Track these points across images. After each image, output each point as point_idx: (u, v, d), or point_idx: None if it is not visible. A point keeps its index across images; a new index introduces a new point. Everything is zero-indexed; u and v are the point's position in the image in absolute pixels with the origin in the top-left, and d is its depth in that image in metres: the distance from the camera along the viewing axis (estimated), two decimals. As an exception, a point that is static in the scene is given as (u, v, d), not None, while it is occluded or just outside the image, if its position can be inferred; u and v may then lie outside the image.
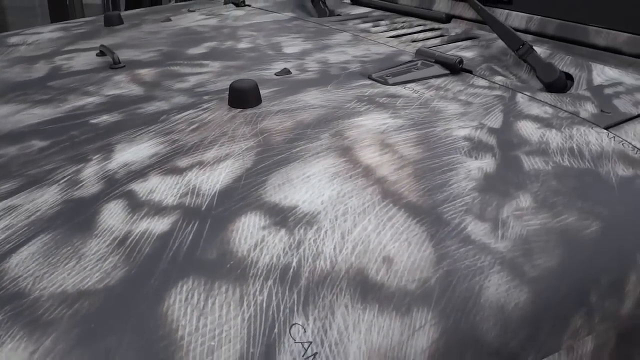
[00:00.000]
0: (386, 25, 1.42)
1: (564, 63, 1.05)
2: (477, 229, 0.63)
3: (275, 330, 0.52)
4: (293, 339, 0.51)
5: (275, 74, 1.06)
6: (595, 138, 0.81)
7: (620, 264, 0.66)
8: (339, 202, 0.66)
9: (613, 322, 0.63)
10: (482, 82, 1.01)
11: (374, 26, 1.42)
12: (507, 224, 0.65)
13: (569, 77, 1.00)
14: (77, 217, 0.66)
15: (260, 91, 0.92)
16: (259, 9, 1.67)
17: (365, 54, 1.16)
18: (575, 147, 0.79)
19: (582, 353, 0.61)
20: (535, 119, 0.86)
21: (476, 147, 0.78)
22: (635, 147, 0.81)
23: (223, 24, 1.48)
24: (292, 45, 1.25)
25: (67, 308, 0.53)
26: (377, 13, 1.54)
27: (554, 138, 0.81)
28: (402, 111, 0.88)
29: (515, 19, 1.25)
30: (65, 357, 0.49)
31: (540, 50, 1.08)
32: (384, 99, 0.93)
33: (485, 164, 0.74)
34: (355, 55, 1.15)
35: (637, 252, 0.67)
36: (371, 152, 0.76)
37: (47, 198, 0.69)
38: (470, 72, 1.05)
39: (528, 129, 0.83)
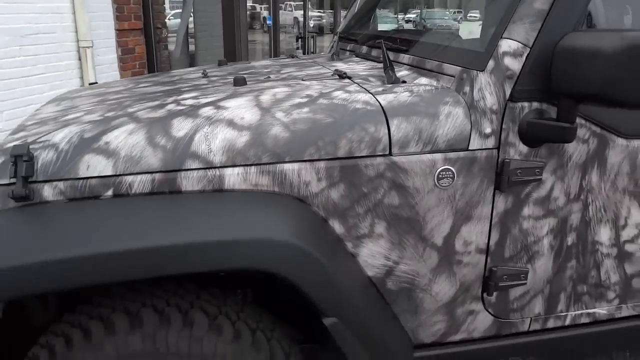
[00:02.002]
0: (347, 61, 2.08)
1: (407, 77, 1.61)
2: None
3: None
4: None
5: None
6: (363, 96, 1.42)
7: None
8: None
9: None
10: (353, 85, 1.53)
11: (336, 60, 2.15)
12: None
13: (404, 81, 1.54)
14: None
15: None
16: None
17: (311, 72, 1.82)
18: (352, 97, 1.42)
19: None
20: (348, 92, 1.45)
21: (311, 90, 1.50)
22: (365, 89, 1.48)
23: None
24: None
25: None
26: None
27: (349, 92, 1.46)
28: (297, 86, 1.54)
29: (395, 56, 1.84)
30: None
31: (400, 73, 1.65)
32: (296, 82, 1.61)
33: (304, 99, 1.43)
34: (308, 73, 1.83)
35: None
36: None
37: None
38: (350, 78, 1.63)
39: (340, 94, 1.44)
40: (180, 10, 7.48)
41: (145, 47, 4.90)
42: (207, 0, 6.46)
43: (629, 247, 1.60)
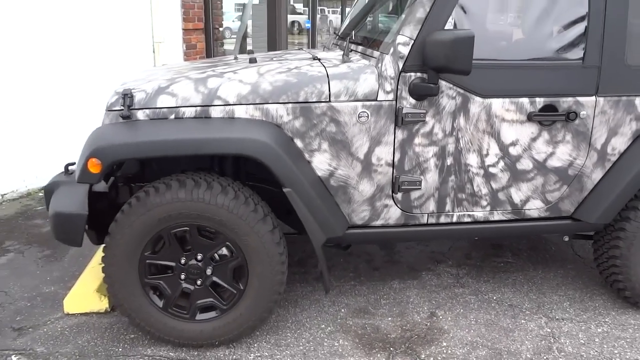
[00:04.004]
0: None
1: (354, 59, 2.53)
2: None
3: None
4: None
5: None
6: (319, 68, 2.41)
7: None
8: None
9: None
10: (317, 63, 2.50)
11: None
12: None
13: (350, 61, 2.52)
14: None
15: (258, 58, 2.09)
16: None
17: (299, 57, 2.75)
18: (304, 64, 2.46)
19: None
20: (311, 67, 2.44)
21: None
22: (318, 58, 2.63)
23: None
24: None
25: None
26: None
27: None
28: (284, 63, 2.53)
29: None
30: None
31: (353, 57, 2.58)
32: (286, 61, 2.29)
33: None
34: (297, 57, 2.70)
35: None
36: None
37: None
38: (319, 60, 2.56)
39: (306, 67, 2.43)
40: (241, 14, 8.64)
41: (205, 43, 6.03)
42: (262, 6, 7.56)
43: (491, 170, 2.50)
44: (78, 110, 4.62)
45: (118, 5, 4.94)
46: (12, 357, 2.38)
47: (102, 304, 2.70)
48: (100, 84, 4.86)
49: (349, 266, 3.23)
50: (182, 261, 2.31)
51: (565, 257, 3.39)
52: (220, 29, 6.32)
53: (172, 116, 2.31)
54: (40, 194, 4.35)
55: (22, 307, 2.75)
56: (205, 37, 6.02)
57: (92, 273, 2.90)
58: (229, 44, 7.67)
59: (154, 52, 5.42)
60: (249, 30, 8.29)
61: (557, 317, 2.72)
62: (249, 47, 8.22)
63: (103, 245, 2.33)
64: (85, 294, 2.71)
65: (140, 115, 2.31)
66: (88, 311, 2.70)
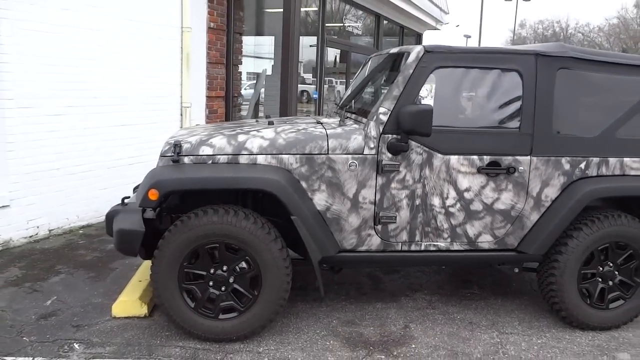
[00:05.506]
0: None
1: (348, 123, 3.12)
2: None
3: None
4: None
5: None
6: (321, 130, 3.25)
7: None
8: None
9: None
10: (320, 126, 3.28)
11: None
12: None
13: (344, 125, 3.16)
14: None
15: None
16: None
17: (306, 121, 3.44)
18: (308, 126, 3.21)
19: None
20: (315, 128, 3.20)
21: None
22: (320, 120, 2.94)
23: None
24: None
25: None
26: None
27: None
28: (294, 125, 3.21)
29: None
30: None
31: (348, 122, 3.19)
32: (296, 124, 2.93)
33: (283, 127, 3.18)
34: (304, 121, 3.60)
35: None
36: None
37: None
38: (321, 124, 3.38)
39: (311, 129, 3.14)
40: (255, 82, 9.68)
41: (225, 109, 6.94)
42: (274, 77, 8.55)
43: (451, 209, 3.25)
44: (116, 162, 5.46)
45: (155, 76, 5.88)
46: (75, 344, 3.06)
47: (143, 310, 3.39)
48: (138, 140, 5.73)
49: (342, 291, 3.92)
50: (212, 271, 3.03)
51: (523, 291, 4.06)
52: (239, 97, 7.25)
53: (210, 162, 3.10)
54: (81, 232, 5.11)
55: (77, 312, 3.44)
56: (225, 104, 6.94)
57: (134, 286, 3.60)
58: (244, 110, 8.61)
59: (181, 115, 6.31)
60: (262, 97, 9.28)
61: (507, 332, 3.38)
62: (261, 114, 9.17)
63: (143, 264, 3.05)
64: (130, 302, 3.41)
65: (186, 160, 3.11)
66: (131, 315, 3.39)
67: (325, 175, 3.13)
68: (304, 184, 3.13)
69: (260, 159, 3.11)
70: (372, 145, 3.14)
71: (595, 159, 3.33)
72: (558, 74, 3.28)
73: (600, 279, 3.40)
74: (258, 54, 10.92)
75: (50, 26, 4.71)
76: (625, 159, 3.37)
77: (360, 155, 3.14)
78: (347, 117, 3.59)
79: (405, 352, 3.09)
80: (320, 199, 3.16)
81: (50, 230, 4.96)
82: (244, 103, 7.99)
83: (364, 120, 3.25)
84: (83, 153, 5.16)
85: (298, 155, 3.12)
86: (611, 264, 3.40)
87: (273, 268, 3.00)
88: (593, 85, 3.35)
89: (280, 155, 3.11)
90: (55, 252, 4.52)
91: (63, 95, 4.90)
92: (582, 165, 3.31)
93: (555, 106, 3.27)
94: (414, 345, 3.17)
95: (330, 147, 3.13)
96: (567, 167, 3.30)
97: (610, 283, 3.41)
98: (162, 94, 6.01)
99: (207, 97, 6.70)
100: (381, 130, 3.13)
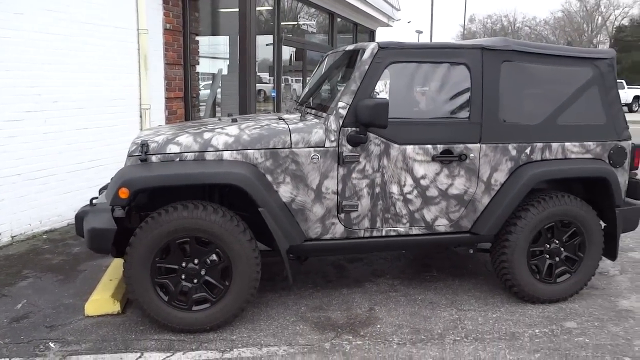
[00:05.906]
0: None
1: (309, 118, 3.21)
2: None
3: None
4: None
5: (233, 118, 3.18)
6: (283, 125, 3.37)
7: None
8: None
9: None
10: (282, 121, 3.44)
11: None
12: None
13: (305, 120, 3.22)
14: None
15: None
16: None
17: (268, 117, 3.53)
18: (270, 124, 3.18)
19: None
20: (277, 124, 3.31)
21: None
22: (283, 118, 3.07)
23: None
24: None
25: None
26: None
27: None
28: (257, 121, 3.35)
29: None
30: None
31: (309, 117, 3.35)
32: (258, 120, 3.01)
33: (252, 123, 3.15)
34: (266, 117, 3.70)
35: None
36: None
37: None
38: (283, 119, 3.49)
39: (274, 124, 3.01)
40: (210, 83, 9.72)
41: (184, 109, 7.00)
42: (231, 77, 8.63)
43: (408, 196, 3.45)
44: (78, 166, 5.46)
45: (113, 78, 5.89)
46: (50, 343, 3.11)
47: (116, 307, 3.47)
48: (99, 143, 5.74)
49: (308, 280, 4.08)
50: (183, 264, 3.14)
51: (478, 272, 4.32)
52: (197, 97, 7.31)
53: (177, 159, 3.21)
54: (45, 236, 5.09)
55: (49, 313, 3.48)
56: (184, 104, 6.99)
57: (106, 285, 3.67)
58: (203, 110, 8.66)
59: (141, 116, 6.34)
60: (218, 97, 9.33)
61: (464, 309, 3.62)
62: (218, 114, 9.23)
63: (112, 263, 3.13)
64: (102, 300, 3.48)
65: (154, 158, 3.20)
66: (104, 313, 3.45)
67: (289, 168, 3.28)
68: (269, 178, 3.27)
69: (227, 155, 3.23)
70: (332, 138, 3.31)
71: (539, 145, 3.59)
72: (502, 67, 3.52)
73: (547, 256, 3.67)
74: (213, 54, 10.97)
75: (4, 31, 4.68)
76: (566, 143, 3.65)
77: (321, 148, 3.30)
78: (308, 113, 3.75)
79: (371, 331, 3.28)
80: (285, 191, 3.30)
81: (13, 237, 4.93)
82: (200, 104, 8.05)
83: (324, 114, 3.42)
84: (44, 158, 5.15)
85: (262, 150, 3.26)
86: (557, 241, 3.67)
87: (243, 258, 3.13)
88: (535, 76, 3.61)
89: (245, 151, 3.25)
90: (20, 258, 4.51)
91: (21, 101, 4.88)
92: (527, 151, 3.57)
93: (501, 96, 3.52)
94: (379, 326, 3.36)
95: (293, 141, 3.28)
96: (513, 152, 3.55)
97: (557, 259, 3.69)
98: (121, 96, 6.02)
99: (166, 98, 6.73)
100: (341, 123, 3.31)
